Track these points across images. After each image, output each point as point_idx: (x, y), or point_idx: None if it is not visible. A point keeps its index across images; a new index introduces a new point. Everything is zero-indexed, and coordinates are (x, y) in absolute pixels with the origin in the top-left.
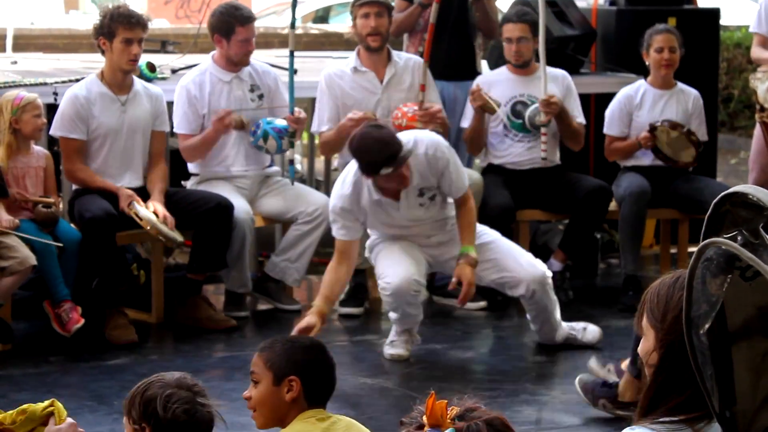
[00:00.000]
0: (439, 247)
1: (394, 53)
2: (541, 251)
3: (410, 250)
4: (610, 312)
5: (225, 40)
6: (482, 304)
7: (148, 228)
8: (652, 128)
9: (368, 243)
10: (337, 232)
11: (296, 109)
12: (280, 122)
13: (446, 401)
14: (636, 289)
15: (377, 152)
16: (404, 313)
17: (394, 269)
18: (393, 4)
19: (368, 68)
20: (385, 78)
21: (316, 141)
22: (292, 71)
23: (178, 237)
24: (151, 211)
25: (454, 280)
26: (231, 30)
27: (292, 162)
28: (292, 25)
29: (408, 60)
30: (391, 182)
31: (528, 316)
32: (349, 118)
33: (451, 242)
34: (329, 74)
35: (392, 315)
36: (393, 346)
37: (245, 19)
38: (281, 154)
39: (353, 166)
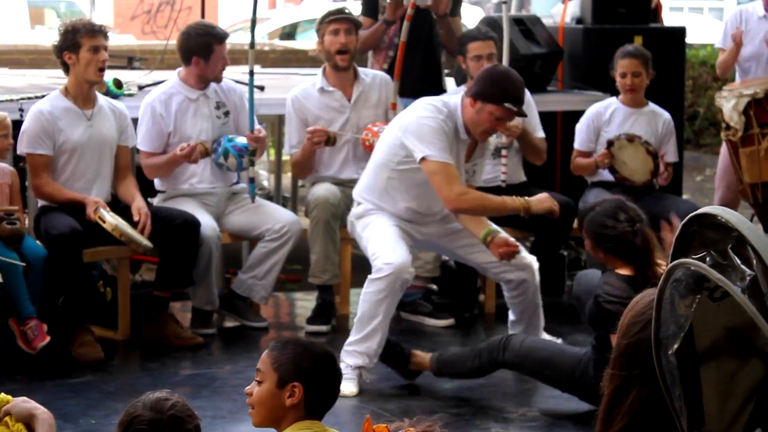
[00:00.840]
0: (445, 225)
1: (360, 70)
2: None
3: (402, 234)
4: (577, 329)
5: (203, 61)
6: (450, 321)
7: (112, 230)
8: (609, 143)
9: (354, 213)
10: (437, 152)
11: (256, 127)
12: (241, 140)
13: (386, 425)
14: None
15: (520, 85)
16: (387, 305)
17: (394, 250)
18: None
19: (335, 87)
20: (353, 96)
21: (283, 158)
22: (252, 90)
23: (144, 241)
24: (138, 217)
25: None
26: (209, 49)
27: (252, 180)
28: (252, 45)
29: (375, 77)
30: (497, 123)
31: (511, 315)
32: (308, 135)
33: (461, 231)
34: (295, 96)
35: (359, 316)
36: (346, 380)
37: (222, 37)
38: (243, 172)
39: (445, 99)
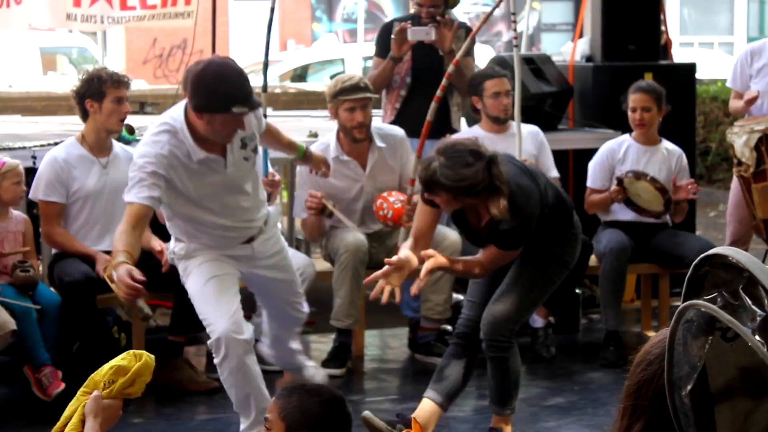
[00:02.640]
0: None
1: (375, 134)
2: None
3: (221, 278)
4: (591, 367)
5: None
6: None
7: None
8: (619, 181)
9: (171, 248)
10: (139, 194)
11: (270, 171)
12: None
13: None
14: (617, 344)
15: (239, 79)
16: (246, 375)
17: (217, 311)
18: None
19: (350, 157)
20: (368, 165)
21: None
22: None
23: (146, 308)
24: (158, 249)
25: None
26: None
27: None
28: (264, 89)
29: (390, 139)
30: (230, 126)
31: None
32: (307, 198)
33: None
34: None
35: (234, 403)
36: None
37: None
38: None
39: (169, 118)
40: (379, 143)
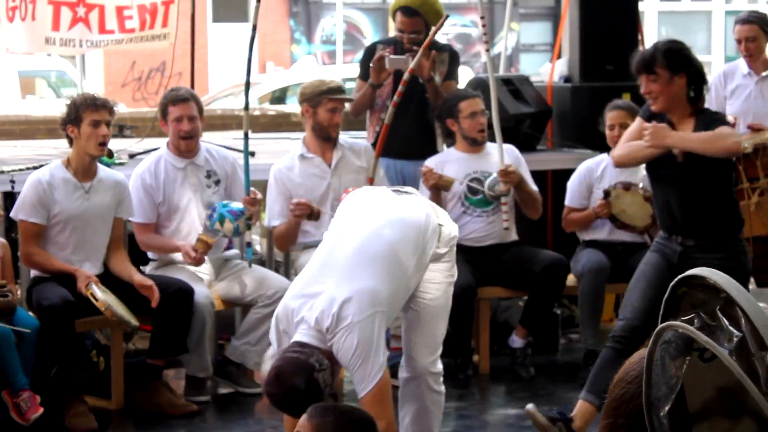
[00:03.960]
0: None
1: (342, 138)
2: (502, 328)
3: None
4: (571, 387)
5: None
6: None
7: (104, 309)
8: (606, 193)
9: None
10: None
11: (252, 189)
12: (236, 205)
13: None
14: None
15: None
16: None
17: None
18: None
19: (315, 153)
20: (333, 161)
21: None
22: (247, 153)
23: (133, 321)
24: (144, 291)
25: None
26: (165, 111)
27: (249, 244)
28: (246, 107)
29: (354, 144)
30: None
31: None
32: (291, 208)
33: None
34: (279, 169)
35: None
36: None
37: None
38: (239, 237)
39: None
40: (342, 143)
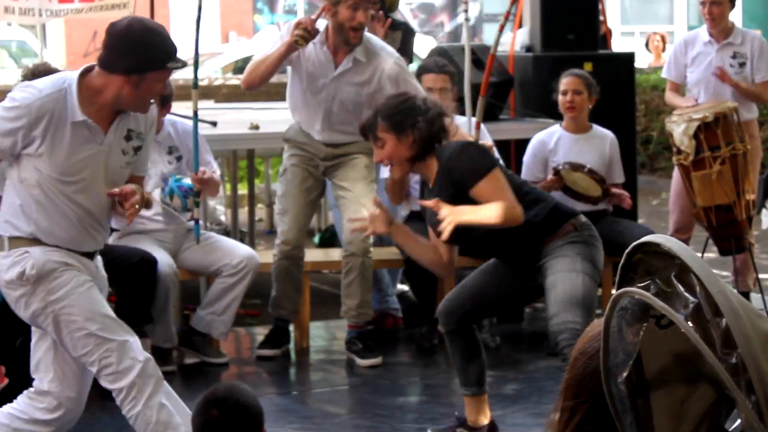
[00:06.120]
0: None
1: (363, 49)
2: None
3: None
4: (536, 356)
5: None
6: (377, 360)
7: None
8: (555, 172)
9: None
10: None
11: (201, 168)
12: (188, 181)
13: None
14: None
15: (169, 39)
16: None
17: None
18: None
19: (328, 49)
20: (340, 68)
21: (239, 193)
22: (196, 131)
23: None
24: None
25: None
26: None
27: (197, 221)
28: (195, 85)
29: (378, 62)
30: (157, 88)
31: None
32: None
33: None
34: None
35: None
36: None
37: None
38: (186, 213)
39: (63, 74)
40: (358, 56)
